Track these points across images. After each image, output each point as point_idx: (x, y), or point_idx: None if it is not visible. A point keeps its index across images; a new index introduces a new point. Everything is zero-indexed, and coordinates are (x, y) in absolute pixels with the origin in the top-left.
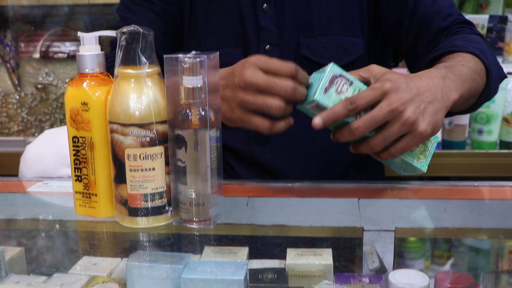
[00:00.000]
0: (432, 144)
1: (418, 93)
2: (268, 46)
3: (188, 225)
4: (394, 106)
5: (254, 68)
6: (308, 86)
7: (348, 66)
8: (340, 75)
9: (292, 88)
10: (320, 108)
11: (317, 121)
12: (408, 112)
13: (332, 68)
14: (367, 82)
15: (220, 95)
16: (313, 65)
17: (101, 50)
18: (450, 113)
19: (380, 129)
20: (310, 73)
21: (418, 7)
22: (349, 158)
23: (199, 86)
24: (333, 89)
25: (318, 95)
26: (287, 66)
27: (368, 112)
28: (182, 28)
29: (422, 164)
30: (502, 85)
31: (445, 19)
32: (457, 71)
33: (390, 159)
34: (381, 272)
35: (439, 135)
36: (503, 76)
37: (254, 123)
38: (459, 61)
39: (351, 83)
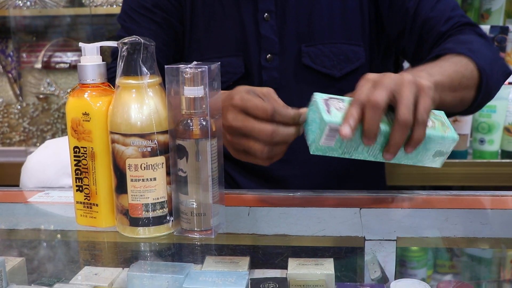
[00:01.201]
0: (443, 116)
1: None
2: (269, 55)
3: (189, 235)
4: (388, 75)
5: (234, 111)
6: (305, 126)
7: (350, 75)
8: (330, 98)
9: (271, 131)
10: (334, 129)
11: (345, 130)
12: (404, 75)
13: (317, 96)
14: None
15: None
16: (315, 74)
17: (103, 60)
18: (448, 114)
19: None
20: (312, 82)
21: (418, 13)
22: (352, 166)
23: (200, 96)
24: (332, 108)
25: (326, 117)
26: (263, 108)
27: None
28: (183, 38)
29: (452, 132)
30: (503, 95)
31: (446, 23)
32: (431, 65)
33: (423, 151)
34: (382, 281)
35: None
36: (507, 72)
37: (249, 160)
38: (440, 59)
39: (343, 100)
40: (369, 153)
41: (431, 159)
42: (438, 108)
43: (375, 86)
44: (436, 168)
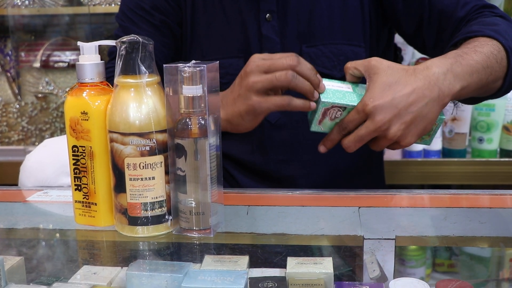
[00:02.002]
0: (437, 125)
1: (406, 105)
2: None
3: (188, 234)
4: (378, 125)
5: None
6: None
7: None
8: (332, 107)
9: (295, 60)
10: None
11: (321, 148)
12: (393, 130)
13: (322, 104)
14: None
15: (227, 104)
16: None
17: (101, 59)
18: (475, 99)
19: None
20: None
21: (434, 3)
22: (351, 165)
23: (198, 95)
24: (326, 118)
25: (313, 127)
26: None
27: (355, 132)
28: (183, 39)
29: (426, 141)
30: None
31: (463, 7)
32: (466, 60)
33: None
34: (381, 280)
35: (439, 143)
36: None
37: (271, 101)
38: (473, 46)
39: (344, 108)
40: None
41: (421, 139)
42: (461, 100)
43: (370, 116)
44: (435, 167)
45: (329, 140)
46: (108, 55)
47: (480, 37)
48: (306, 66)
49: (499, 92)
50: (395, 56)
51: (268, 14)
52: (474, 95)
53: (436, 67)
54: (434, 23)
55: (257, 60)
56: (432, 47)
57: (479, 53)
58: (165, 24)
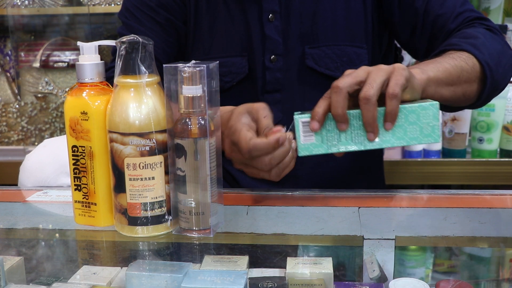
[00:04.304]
0: (433, 113)
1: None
2: (273, 56)
3: (187, 234)
4: (364, 67)
5: (229, 143)
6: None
7: None
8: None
9: (268, 160)
10: (305, 122)
11: (313, 124)
12: (378, 65)
13: (296, 119)
14: None
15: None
16: (318, 75)
17: (101, 59)
18: (453, 107)
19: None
20: (315, 83)
21: (428, 12)
22: (351, 165)
23: (198, 95)
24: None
25: (296, 116)
26: (244, 151)
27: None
28: (186, 38)
29: (429, 135)
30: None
31: (455, 19)
32: (428, 61)
33: (408, 126)
34: (381, 280)
35: (439, 143)
36: None
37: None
38: (441, 57)
39: None
40: (354, 142)
41: (422, 134)
42: (436, 99)
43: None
44: (435, 167)
45: (315, 110)
46: (112, 54)
47: (454, 51)
48: (259, 148)
49: (479, 100)
50: (395, 56)
51: (271, 15)
52: (449, 94)
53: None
54: (427, 32)
55: (230, 149)
56: (423, 55)
57: (444, 57)
58: (169, 22)
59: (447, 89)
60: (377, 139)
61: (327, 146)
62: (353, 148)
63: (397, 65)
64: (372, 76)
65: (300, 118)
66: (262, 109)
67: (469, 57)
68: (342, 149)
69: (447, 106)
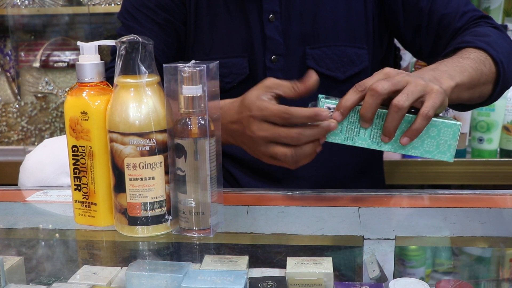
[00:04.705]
0: (453, 132)
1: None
2: (274, 56)
3: (187, 234)
4: (403, 74)
5: (256, 121)
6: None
7: (353, 77)
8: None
9: (296, 134)
10: (331, 108)
11: (336, 114)
12: (417, 77)
13: (322, 102)
14: None
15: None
16: (319, 76)
17: (101, 59)
18: (465, 106)
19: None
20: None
21: (433, 11)
22: (351, 165)
23: (198, 95)
24: (332, 98)
25: (322, 100)
26: (281, 115)
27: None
28: (186, 38)
29: (454, 121)
30: None
31: (461, 18)
32: (452, 62)
33: (427, 139)
34: (381, 280)
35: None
36: None
37: (278, 164)
38: (459, 54)
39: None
40: (371, 139)
41: (438, 150)
42: (454, 103)
43: (385, 78)
44: (435, 167)
45: (343, 101)
46: (111, 54)
47: (470, 48)
48: (297, 116)
49: (489, 99)
50: (395, 56)
51: (271, 15)
52: (467, 97)
53: (426, 68)
54: (432, 32)
55: (258, 127)
56: (428, 54)
57: (465, 58)
58: (169, 23)
59: (467, 93)
60: (394, 143)
61: (345, 137)
62: (368, 145)
63: (436, 87)
64: (411, 88)
65: (327, 103)
66: (283, 83)
67: (486, 58)
68: (358, 143)
69: (460, 105)
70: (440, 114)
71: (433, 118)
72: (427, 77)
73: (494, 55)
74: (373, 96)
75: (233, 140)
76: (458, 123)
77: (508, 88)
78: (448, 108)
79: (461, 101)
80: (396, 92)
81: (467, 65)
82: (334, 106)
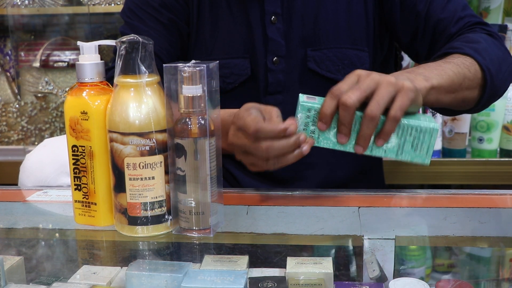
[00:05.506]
0: (431, 136)
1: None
2: (275, 57)
3: (187, 234)
4: (373, 76)
5: (233, 127)
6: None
7: None
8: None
9: (265, 148)
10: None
11: (320, 125)
12: (387, 77)
13: (303, 107)
14: None
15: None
16: (319, 78)
17: (101, 59)
18: (452, 111)
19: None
20: (316, 85)
21: (429, 16)
22: (351, 165)
23: (198, 95)
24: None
25: (302, 104)
26: (249, 127)
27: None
28: (189, 38)
29: (430, 122)
30: None
31: (456, 23)
32: (432, 65)
33: (401, 142)
34: (381, 280)
35: (439, 143)
36: None
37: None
38: (444, 59)
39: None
40: (349, 144)
41: (415, 153)
42: (435, 106)
43: (357, 82)
44: (435, 167)
45: (322, 109)
46: (113, 52)
47: (457, 54)
48: (266, 131)
49: (478, 106)
50: (395, 56)
51: (273, 17)
52: (449, 101)
53: (402, 71)
54: (428, 36)
55: (232, 134)
56: (425, 58)
57: (448, 63)
58: (172, 22)
59: (448, 96)
60: (370, 146)
61: (321, 141)
62: (342, 148)
63: (407, 84)
64: (381, 93)
65: (305, 103)
66: (275, 111)
67: (472, 63)
68: (336, 147)
69: (445, 109)
70: (426, 113)
71: (409, 121)
72: (401, 78)
73: (480, 61)
74: (345, 110)
75: (225, 145)
76: (436, 126)
77: (498, 96)
78: (434, 112)
79: (443, 104)
80: (368, 98)
81: (447, 68)
82: (312, 106)
